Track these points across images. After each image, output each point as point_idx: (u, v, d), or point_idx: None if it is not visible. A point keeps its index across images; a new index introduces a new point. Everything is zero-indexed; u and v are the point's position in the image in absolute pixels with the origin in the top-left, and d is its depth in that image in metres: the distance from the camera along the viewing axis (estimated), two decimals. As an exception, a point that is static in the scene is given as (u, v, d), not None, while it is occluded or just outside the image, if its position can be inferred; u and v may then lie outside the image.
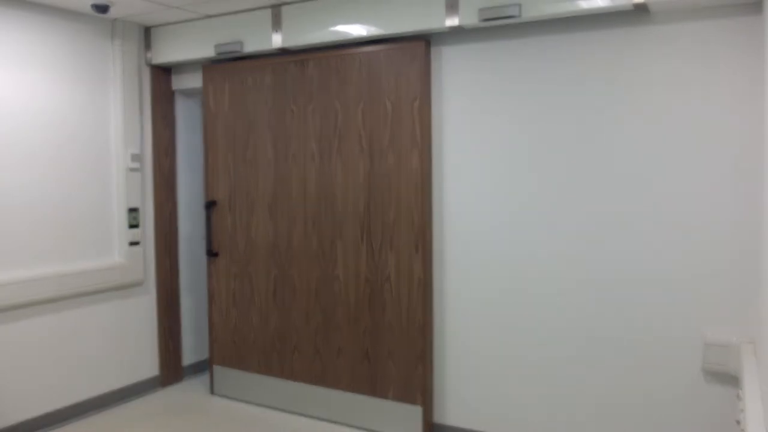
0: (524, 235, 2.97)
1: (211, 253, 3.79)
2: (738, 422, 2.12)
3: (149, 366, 4.02)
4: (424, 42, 3.09)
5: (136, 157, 3.82)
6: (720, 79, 2.55)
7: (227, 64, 3.68)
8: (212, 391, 3.90)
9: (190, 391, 3.99)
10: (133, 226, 3.82)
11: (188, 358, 4.29)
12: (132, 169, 3.80)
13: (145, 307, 3.98)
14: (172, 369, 4.15)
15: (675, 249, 2.67)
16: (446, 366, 3.22)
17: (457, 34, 3.08)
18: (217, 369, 3.87)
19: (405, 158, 3.16)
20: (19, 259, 3.29)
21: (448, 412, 3.24)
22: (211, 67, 3.75)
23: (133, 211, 3.82)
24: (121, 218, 3.78)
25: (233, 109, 3.68)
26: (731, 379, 2.58)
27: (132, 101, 3.80)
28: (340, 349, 3.42)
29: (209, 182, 3.81)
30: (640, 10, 2.64)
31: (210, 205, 3.79)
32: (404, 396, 3.25)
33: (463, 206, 3.12)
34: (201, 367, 4.39)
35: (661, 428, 2.73)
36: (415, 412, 3.21)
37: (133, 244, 3.82)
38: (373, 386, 3.34)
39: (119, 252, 3.80)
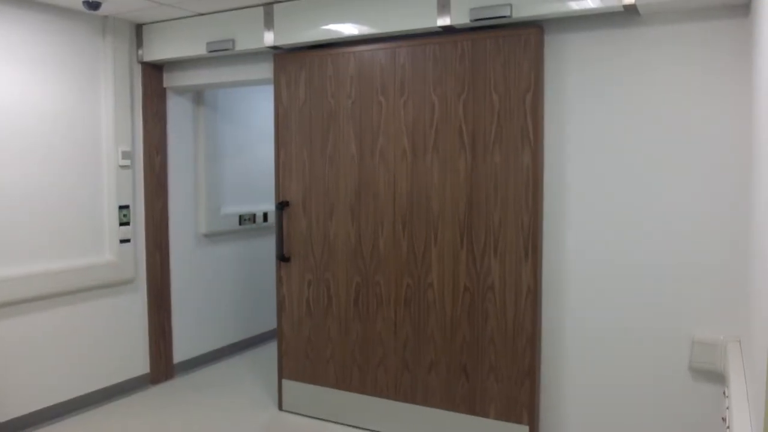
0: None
1: (283, 258, 3.49)
2: (724, 419, 2.12)
3: (139, 364, 4.00)
4: (537, 29, 2.82)
5: (126, 155, 3.78)
6: (711, 80, 2.55)
7: (303, 53, 3.38)
8: (281, 407, 3.60)
9: (181, 390, 3.97)
10: (124, 223, 3.78)
11: (179, 355, 4.26)
12: (123, 167, 3.76)
13: (135, 304, 3.96)
14: (162, 367, 4.12)
15: (664, 248, 2.69)
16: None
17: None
18: (287, 383, 3.57)
19: (514, 155, 2.89)
20: (8, 256, 3.24)
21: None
22: (283, 55, 3.45)
23: (123, 208, 3.77)
24: (111, 215, 3.75)
25: (310, 102, 3.39)
26: (718, 377, 2.62)
27: (123, 98, 3.76)
28: (433, 363, 3.14)
29: (281, 181, 3.50)
30: (630, 12, 2.62)
31: (282, 206, 3.49)
32: (508, 415, 2.98)
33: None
34: (191, 365, 4.37)
35: (649, 425, 2.76)
36: (521, 431, 2.96)
37: (124, 241, 3.78)
38: (471, 404, 3.06)
39: (110, 249, 3.76)
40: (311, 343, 3.48)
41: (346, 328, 3.36)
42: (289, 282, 3.52)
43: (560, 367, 2.96)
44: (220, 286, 4.61)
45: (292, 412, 3.56)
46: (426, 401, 3.17)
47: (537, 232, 2.87)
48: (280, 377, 3.59)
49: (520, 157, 2.87)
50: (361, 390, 3.34)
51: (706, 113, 2.58)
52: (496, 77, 2.90)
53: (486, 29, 2.92)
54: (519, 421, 2.96)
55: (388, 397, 3.27)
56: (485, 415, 3.03)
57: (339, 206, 3.33)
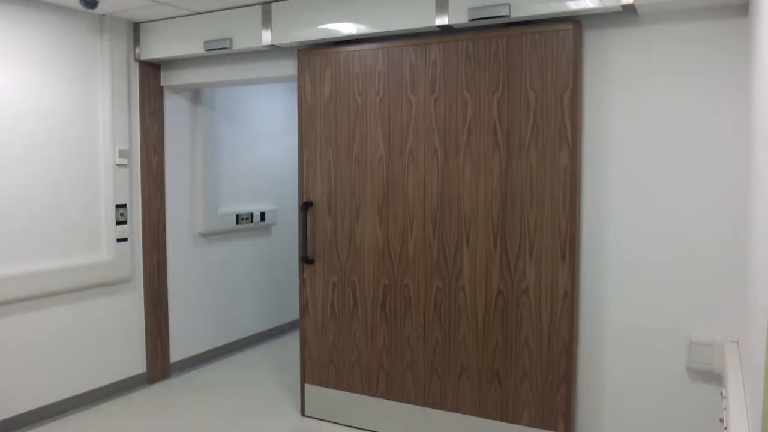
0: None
1: (307, 260, 3.40)
2: (721, 420, 2.14)
3: (136, 363, 3.98)
4: (574, 25, 2.74)
5: (124, 153, 3.76)
6: (707, 80, 2.55)
7: (328, 49, 3.29)
8: (303, 413, 3.51)
9: (179, 389, 3.94)
10: (121, 222, 3.77)
11: (176, 355, 4.24)
12: (120, 165, 3.74)
13: (132, 303, 3.94)
14: (159, 366, 4.10)
15: (662, 249, 2.68)
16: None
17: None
18: (309, 388, 3.48)
19: (551, 155, 2.80)
20: (5, 255, 3.22)
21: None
22: (308, 51, 3.35)
23: (120, 207, 3.76)
24: (108, 214, 3.73)
25: (336, 100, 3.29)
26: (715, 378, 2.62)
27: (120, 97, 3.74)
28: (464, 368, 3.06)
29: (304, 181, 3.41)
30: (629, 11, 2.62)
31: (306, 207, 3.39)
32: (542, 422, 2.90)
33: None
34: (188, 365, 4.35)
35: (647, 425, 2.76)
36: (556, 439, 2.87)
37: (121, 240, 3.77)
38: (504, 410, 2.98)
39: (107, 248, 3.74)
40: (336, 348, 3.39)
41: (372, 332, 3.28)
42: (313, 284, 3.43)
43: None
44: (218, 285, 4.57)
45: (315, 418, 3.47)
46: (456, 407, 3.09)
47: (575, 234, 2.79)
48: (303, 382, 3.50)
49: (557, 157, 2.79)
50: (388, 396, 3.25)
51: (705, 113, 2.57)
52: (533, 74, 2.82)
53: (522, 25, 2.84)
54: (554, 429, 2.88)
55: (416, 403, 3.18)
56: (518, 422, 2.95)
57: (366, 207, 3.24)
